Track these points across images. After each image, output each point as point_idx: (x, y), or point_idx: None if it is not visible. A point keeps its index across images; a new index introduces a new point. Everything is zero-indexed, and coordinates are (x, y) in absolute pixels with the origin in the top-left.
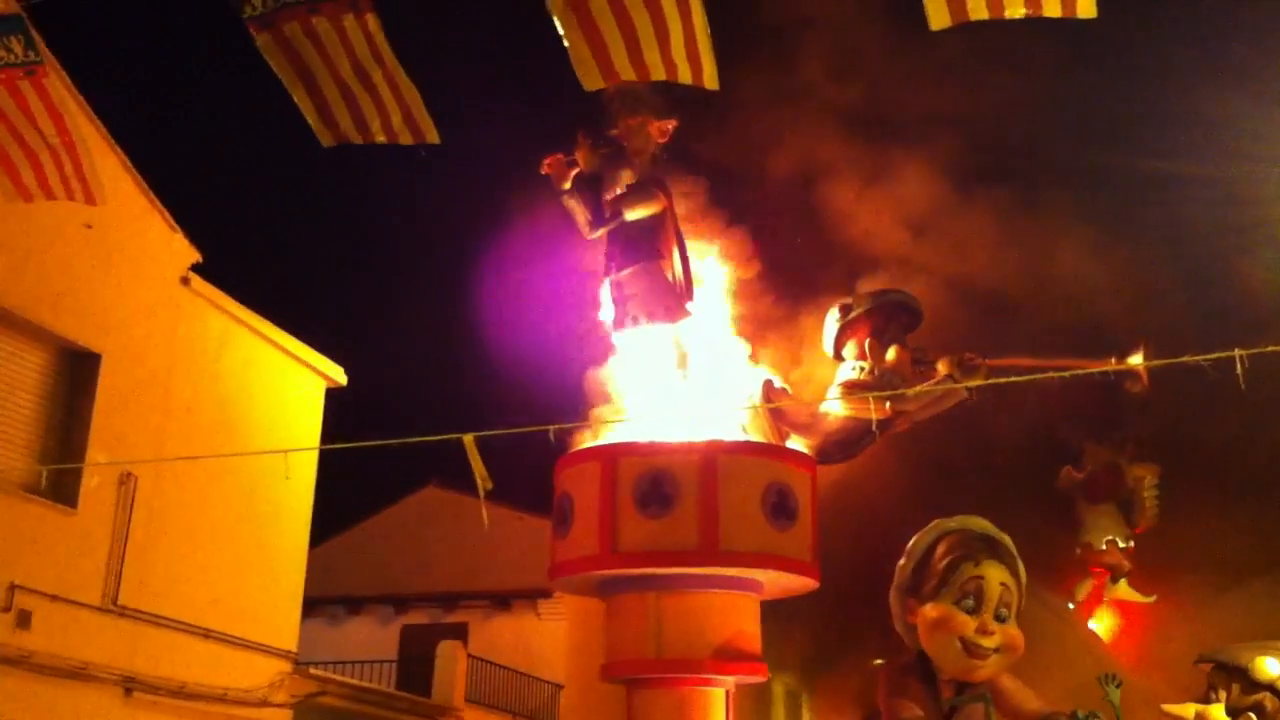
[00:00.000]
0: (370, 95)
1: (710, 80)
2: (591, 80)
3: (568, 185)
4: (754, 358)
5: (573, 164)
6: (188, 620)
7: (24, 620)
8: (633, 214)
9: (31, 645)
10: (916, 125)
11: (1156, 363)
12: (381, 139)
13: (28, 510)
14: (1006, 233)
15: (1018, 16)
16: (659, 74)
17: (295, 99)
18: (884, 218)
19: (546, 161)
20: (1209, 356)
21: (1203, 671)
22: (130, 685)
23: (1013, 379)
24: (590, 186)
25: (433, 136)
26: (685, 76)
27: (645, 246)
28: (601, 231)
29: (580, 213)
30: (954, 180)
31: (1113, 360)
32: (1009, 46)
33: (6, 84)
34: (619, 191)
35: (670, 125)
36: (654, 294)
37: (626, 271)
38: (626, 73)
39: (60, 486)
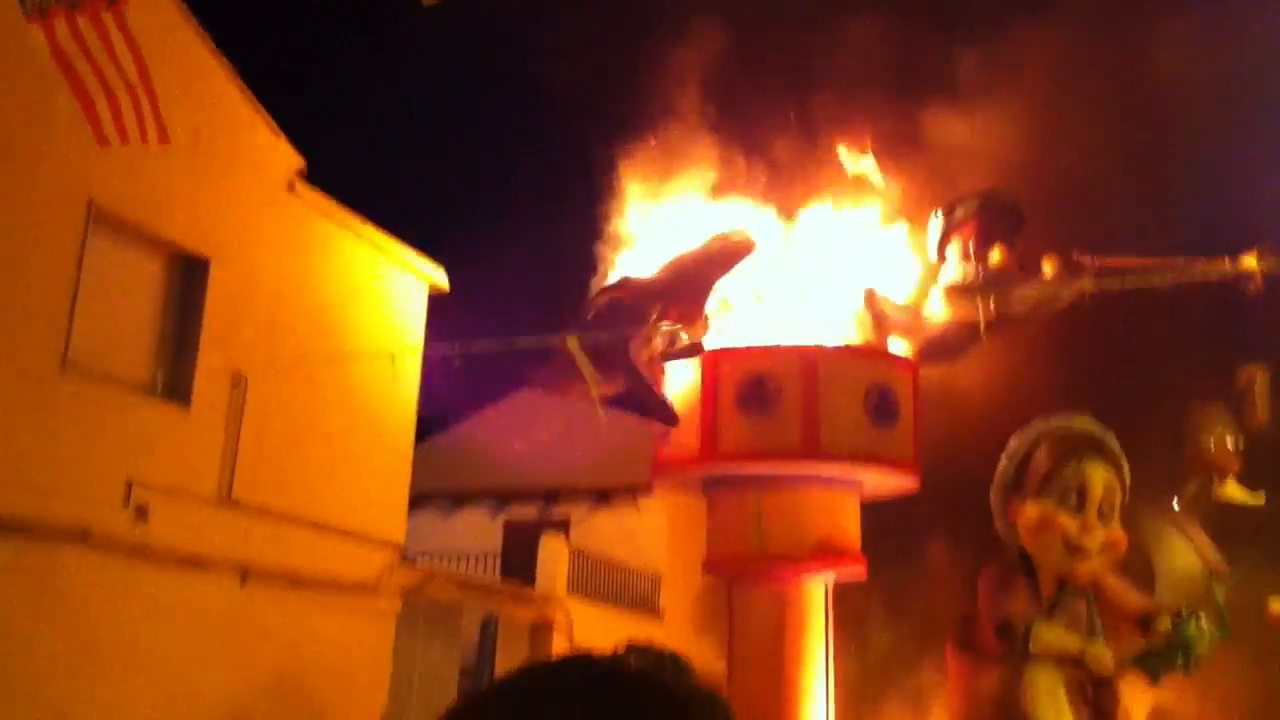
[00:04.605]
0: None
1: None
2: None
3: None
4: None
5: (617, 303)
6: (299, 513)
7: (142, 514)
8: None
9: (149, 538)
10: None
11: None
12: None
13: (144, 410)
14: (1117, 134)
15: None
16: None
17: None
18: (989, 123)
19: (599, 298)
20: None
21: None
22: (245, 574)
23: (1123, 279)
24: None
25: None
26: None
27: None
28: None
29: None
30: (1063, 76)
31: (1227, 261)
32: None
33: (89, 14)
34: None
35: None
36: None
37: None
38: None
39: (175, 387)
